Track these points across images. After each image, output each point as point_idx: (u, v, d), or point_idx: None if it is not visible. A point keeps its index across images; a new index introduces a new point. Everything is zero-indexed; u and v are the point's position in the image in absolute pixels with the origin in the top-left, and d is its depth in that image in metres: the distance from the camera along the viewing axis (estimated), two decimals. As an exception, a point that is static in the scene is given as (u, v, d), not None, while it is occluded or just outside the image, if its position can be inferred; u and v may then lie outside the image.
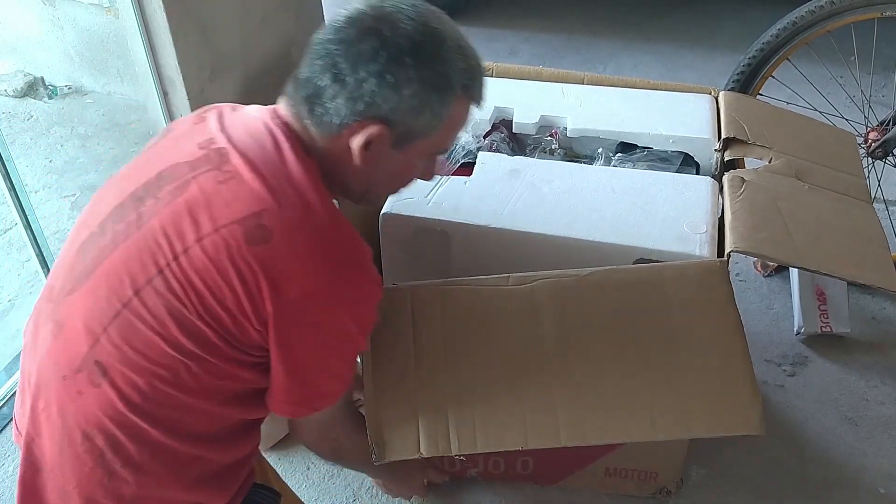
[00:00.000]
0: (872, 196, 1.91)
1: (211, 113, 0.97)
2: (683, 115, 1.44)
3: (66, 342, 0.88)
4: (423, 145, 0.92)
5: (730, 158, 1.31)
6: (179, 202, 0.85)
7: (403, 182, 1.00)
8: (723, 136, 1.33)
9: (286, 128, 0.90)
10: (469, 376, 1.06)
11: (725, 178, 1.25)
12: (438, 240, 1.23)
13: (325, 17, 2.34)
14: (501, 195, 1.22)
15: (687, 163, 1.37)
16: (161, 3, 1.76)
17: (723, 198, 1.24)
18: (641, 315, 1.06)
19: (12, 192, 1.69)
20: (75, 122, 2.64)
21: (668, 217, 1.18)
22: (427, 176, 1.01)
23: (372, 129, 0.86)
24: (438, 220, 1.19)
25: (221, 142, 0.89)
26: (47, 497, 0.90)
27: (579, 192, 1.24)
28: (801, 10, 1.78)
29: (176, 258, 0.83)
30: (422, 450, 1.04)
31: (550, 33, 3.15)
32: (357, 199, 0.98)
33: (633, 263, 1.16)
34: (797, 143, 1.37)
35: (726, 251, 1.09)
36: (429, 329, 1.08)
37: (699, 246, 1.12)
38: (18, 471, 0.91)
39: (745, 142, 1.32)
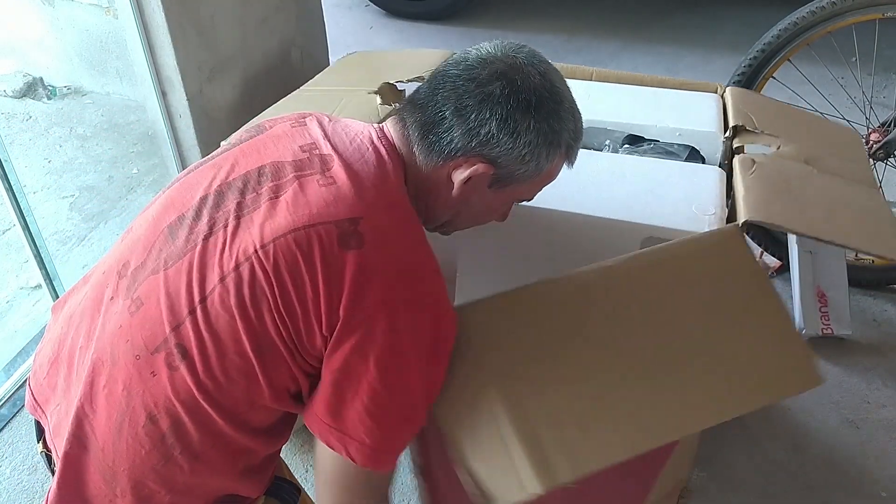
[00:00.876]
0: (874, 198, 1.92)
1: (310, 119, 0.98)
2: (690, 109, 1.45)
3: (146, 321, 0.86)
4: (516, 191, 0.95)
5: (738, 146, 1.32)
6: (281, 200, 0.86)
7: (484, 220, 1.02)
8: (731, 124, 1.34)
9: (391, 148, 0.92)
10: (552, 394, 0.96)
11: (736, 160, 1.25)
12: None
13: (325, 18, 2.34)
14: None
15: (693, 156, 1.38)
16: (160, 3, 1.76)
17: (733, 178, 1.23)
18: (680, 296, 1.02)
19: (10, 193, 1.69)
20: (74, 122, 2.64)
21: (678, 200, 1.19)
22: (503, 218, 1.04)
23: (479, 167, 0.89)
24: None
25: (326, 149, 0.91)
26: (90, 477, 0.88)
27: (590, 175, 1.25)
28: (803, 11, 1.77)
29: (265, 246, 0.83)
30: (535, 487, 0.89)
31: (551, 34, 3.15)
32: (435, 227, 1.00)
33: (641, 244, 1.15)
34: (803, 134, 1.37)
35: (740, 221, 1.08)
36: (494, 352, 1.00)
37: (708, 226, 1.13)
38: (64, 447, 0.88)
39: (753, 131, 1.32)
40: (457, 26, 3.22)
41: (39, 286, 1.93)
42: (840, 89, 2.06)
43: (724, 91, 1.50)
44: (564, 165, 0.97)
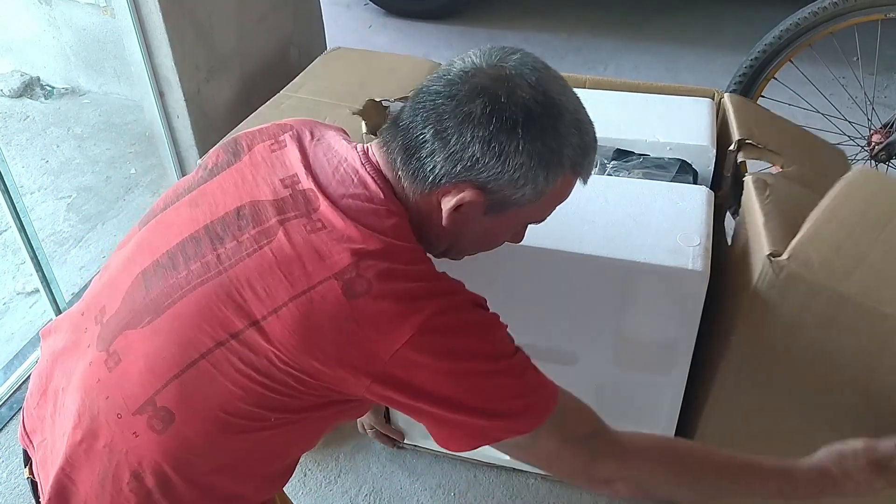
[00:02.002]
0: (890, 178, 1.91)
1: (291, 137, 0.91)
2: (682, 120, 1.41)
3: (124, 379, 0.82)
4: (518, 214, 0.87)
5: (743, 160, 1.30)
6: (266, 253, 0.80)
7: (490, 246, 0.95)
8: (735, 137, 1.31)
9: (378, 174, 0.85)
10: None
11: (749, 180, 1.22)
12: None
13: (323, 17, 2.33)
14: None
15: (684, 170, 1.35)
16: (157, 2, 1.75)
17: (745, 198, 1.21)
18: None
19: (6, 195, 1.67)
20: (71, 122, 2.63)
21: (661, 229, 1.15)
22: (516, 240, 0.96)
23: (466, 194, 0.81)
24: None
25: (307, 182, 0.84)
26: None
27: (571, 202, 1.19)
28: (804, 12, 1.76)
29: (268, 316, 0.78)
30: None
31: (551, 33, 3.14)
32: (438, 254, 0.94)
33: (624, 280, 1.14)
34: (800, 153, 1.35)
35: (763, 252, 1.06)
36: None
37: (692, 259, 1.09)
38: (48, 493, 0.86)
39: (757, 146, 1.30)
40: (456, 25, 3.21)
41: (37, 290, 1.91)
42: (842, 90, 2.05)
43: (722, 98, 1.47)
44: (578, 182, 0.88)
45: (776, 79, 1.87)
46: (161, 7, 1.73)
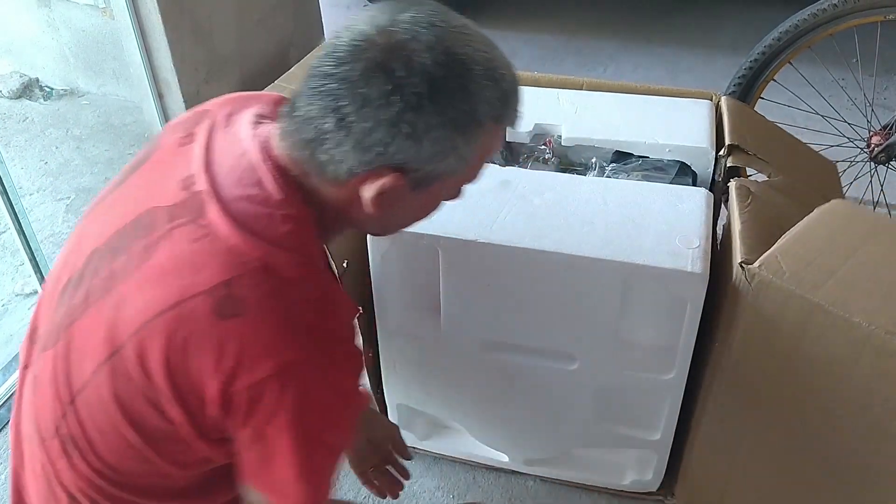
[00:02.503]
0: (875, 200, 1.91)
1: (203, 128, 0.84)
2: (681, 122, 1.40)
3: (41, 404, 0.81)
4: (449, 182, 0.80)
5: (732, 166, 1.29)
6: (149, 267, 0.75)
7: (426, 215, 0.88)
8: (727, 142, 1.31)
9: (278, 170, 0.77)
10: None
11: (733, 185, 1.23)
12: (426, 254, 1.21)
13: (323, 17, 2.33)
14: (491, 207, 1.20)
15: (683, 172, 1.34)
16: (156, 4, 1.75)
17: (729, 205, 1.22)
18: None
19: (4, 196, 1.67)
20: (70, 123, 2.63)
21: (661, 231, 1.15)
22: (453, 199, 0.87)
23: (385, 180, 0.74)
24: (426, 233, 1.16)
25: (202, 183, 0.77)
26: None
27: (571, 205, 1.21)
28: (804, 14, 1.76)
29: (135, 333, 0.73)
30: None
31: (551, 35, 3.14)
32: (375, 234, 0.90)
33: (622, 283, 1.14)
34: (789, 163, 1.35)
35: (735, 260, 1.08)
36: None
37: (691, 262, 1.09)
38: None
39: (747, 152, 1.30)
40: (456, 27, 3.21)
41: (36, 291, 1.91)
42: (841, 92, 2.06)
43: (720, 100, 1.47)
44: (505, 128, 0.81)
45: (776, 80, 1.87)
46: (160, 8, 1.73)
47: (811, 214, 1.13)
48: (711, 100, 1.48)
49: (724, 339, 1.14)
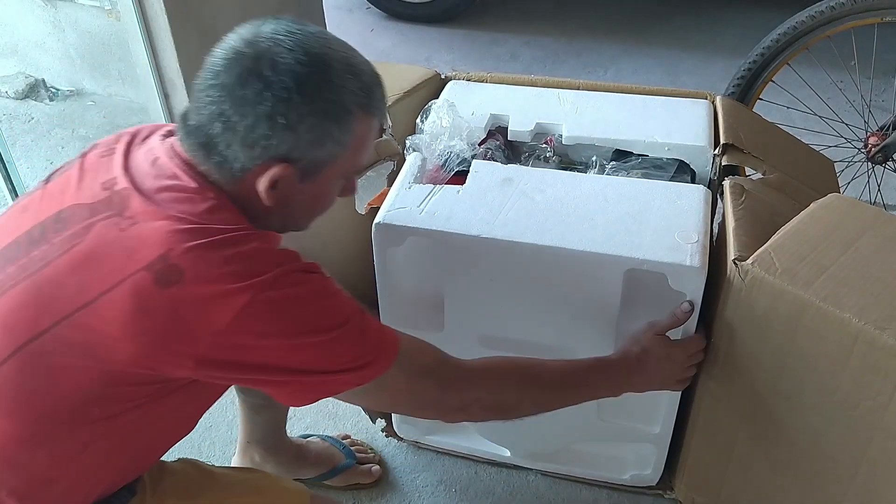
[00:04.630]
0: (872, 201, 1.93)
1: (121, 144, 0.93)
2: (680, 121, 1.43)
3: None
4: (333, 170, 0.90)
5: (727, 164, 1.31)
6: (77, 252, 0.82)
7: (322, 208, 0.97)
8: (722, 140, 1.33)
9: (187, 165, 0.87)
10: None
11: (727, 183, 1.25)
12: (430, 250, 1.23)
13: (326, 20, 2.36)
14: (494, 204, 1.22)
15: (682, 170, 1.36)
16: (163, 5, 1.77)
17: (724, 202, 1.24)
18: None
19: (13, 194, 1.69)
20: (76, 124, 2.65)
21: (660, 226, 1.17)
22: (347, 193, 0.99)
23: (274, 171, 0.84)
24: (431, 229, 1.18)
25: (123, 182, 0.87)
26: None
27: (572, 201, 1.23)
28: (802, 16, 1.78)
29: (79, 310, 0.80)
30: None
31: (551, 37, 3.16)
32: (279, 230, 0.95)
33: (624, 276, 1.16)
34: (785, 160, 1.37)
35: (729, 257, 1.10)
36: None
37: (690, 256, 1.11)
38: None
39: (742, 150, 1.32)
40: (457, 28, 3.23)
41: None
42: (839, 93, 2.07)
43: (715, 100, 1.49)
44: (376, 120, 0.90)
45: (774, 82, 1.89)
46: (167, 10, 1.76)
47: (807, 209, 1.15)
48: (707, 99, 1.50)
49: (719, 333, 1.16)
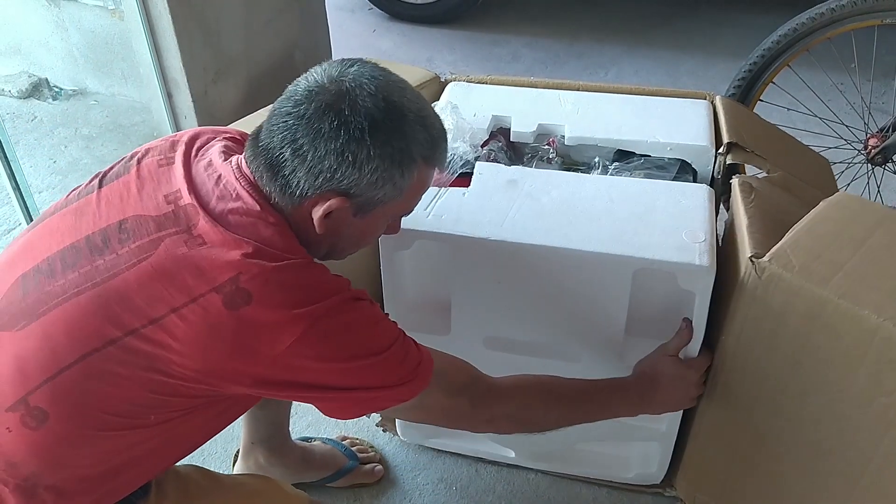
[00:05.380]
0: (872, 201, 1.93)
1: (179, 153, 0.95)
2: (681, 121, 1.43)
3: None
4: (386, 210, 0.94)
5: (732, 163, 1.32)
6: (146, 266, 0.85)
7: (367, 242, 1.02)
8: (725, 139, 1.34)
9: (252, 187, 0.91)
10: None
11: (735, 182, 1.25)
12: (436, 253, 1.24)
13: (328, 21, 2.36)
14: (500, 206, 1.22)
15: (684, 170, 1.37)
16: (167, 5, 1.78)
17: (732, 201, 1.24)
18: None
19: (17, 192, 1.70)
20: (79, 123, 2.66)
21: (667, 226, 1.17)
22: (391, 231, 1.04)
23: (332, 203, 0.88)
24: (438, 232, 1.19)
25: (188, 198, 0.89)
26: None
27: (577, 202, 1.24)
28: (802, 17, 1.79)
29: (148, 325, 0.83)
30: None
31: (552, 38, 3.17)
32: (321, 258, 0.99)
33: (633, 276, 1.16)
34: (785, 158, 1.38)
35: (745, 254, 1.10)
36: None
37: (699, 255, 1.12)
38: None
39: (745, 149, 1.32)
40: (459, 30, 3.24)
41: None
42: (839, 95, 2.08)
43: (714, 100, 1.50)
44: (436, 171, 0.96)
45: (775, 83, 1.89)
46: (170, 10, 1.76)
47: (817, 207, 1.14)
48: (706, 99, 1.51)
49: (729, 331, 1.16)
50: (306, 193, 0.88)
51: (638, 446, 1.44)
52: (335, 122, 0.85)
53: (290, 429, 1.48)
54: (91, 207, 0.92)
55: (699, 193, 1.25)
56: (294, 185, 0.88)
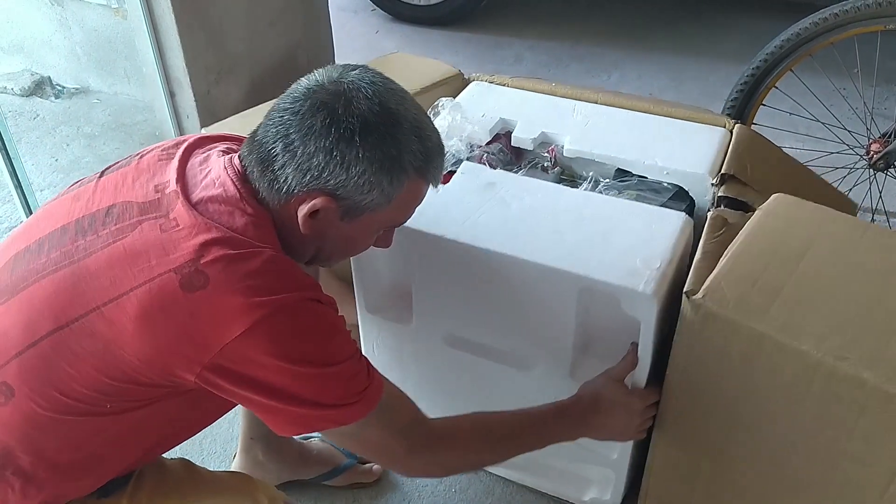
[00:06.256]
0: (874, 207, 1.93)
1: (181, 150, 0.97)
2: (688, 147, 1.39)
3: None
4: (374, 219, 0.93)
5: (722, 195, 1.28)
6: (118, 247, 0.86)
7: (354, 250, 1.02)
8: (722, 170, 1.30)
9: (239, 178, 0.91)
10: None
11: (710, 214, 1.22)
12: (401, 242, 1.22)
13: (331, 22, 2.36)
14: (468, 207, 1.21)
15: (680, 197, 1.33)
16: (170, 4, 1.78)
17: (704, 232, 1.20)
18: None
19: (19, 190, 1.71)
20: (81, 121, 2.66)
21: (626, 248, 1.14)
22: (383, 244, 1.03)
23: (318, 201, 0.88)
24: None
25: (174, 186, 0.90)
26: None
27: (546, 213, 1.21)
28: (805, 22, 1.79)
29: (108, 303, 0.84)
30: None
31: (555, 41, 3.17)
32: (307, 261, 0.98)
33: (578, 294, 1.13)
34: (797, 195, 1.27)
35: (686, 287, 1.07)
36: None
37: (644, 282, 1.07)
38: None
39: (742, 181, 1.28)
40: (462, 31, 3.24)
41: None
42: (842, 100, 2.08)
43: (733, 128, 1.44)
44: (429, 186, 0.94)
45: (777, 88, 1.89)
46: (174, 9, 1.77)
47: (752, 218, 1.12)
48: (725, 127, 1.46)
49: (674, 367, 1.13)
50: (293, 190, 0.88)
51: (596, 469, 1.38)
52: (327, 120, 0.85)
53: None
54: (87, 194, 0.94)
55: (673, 221, 1.20)
56: (282, 180, 0.88)
